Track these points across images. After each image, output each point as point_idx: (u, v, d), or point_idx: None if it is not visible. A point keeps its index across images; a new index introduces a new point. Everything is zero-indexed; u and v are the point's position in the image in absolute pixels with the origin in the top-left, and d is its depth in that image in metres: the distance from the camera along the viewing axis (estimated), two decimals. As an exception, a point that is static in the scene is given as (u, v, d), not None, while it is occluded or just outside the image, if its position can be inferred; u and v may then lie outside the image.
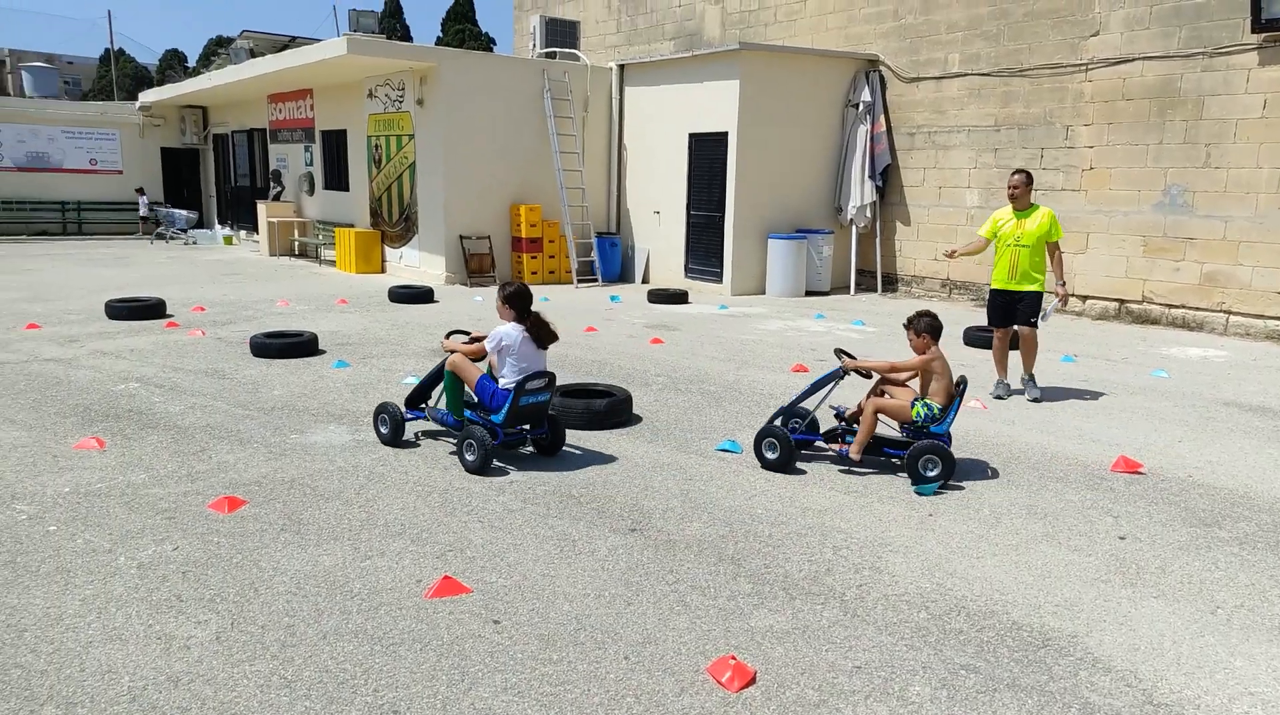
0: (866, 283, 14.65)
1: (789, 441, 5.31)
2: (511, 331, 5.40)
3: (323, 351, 8.81)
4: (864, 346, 9.72)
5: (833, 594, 3.86)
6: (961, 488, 5.21)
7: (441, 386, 5.79)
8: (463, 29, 44.72)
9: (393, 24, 46.32)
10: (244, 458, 5.52)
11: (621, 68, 15.43)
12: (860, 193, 14.14)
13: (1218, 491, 5.26)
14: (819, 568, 4.12)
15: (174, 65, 58.47)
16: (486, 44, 44.41)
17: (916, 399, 5.32)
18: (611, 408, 6.23)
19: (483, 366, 5.64)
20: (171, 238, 21.65)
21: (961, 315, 12.06)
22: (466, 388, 5.63)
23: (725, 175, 13.56)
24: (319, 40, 14.97)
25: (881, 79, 14.16)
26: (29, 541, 4.21)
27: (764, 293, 13.84)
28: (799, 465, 5.47)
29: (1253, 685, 3.22)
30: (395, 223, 15.71)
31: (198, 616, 3.54)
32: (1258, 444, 6.25)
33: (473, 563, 4.08)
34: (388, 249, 16.00)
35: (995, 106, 12.80)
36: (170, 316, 10.62)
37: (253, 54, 21.40)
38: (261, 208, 18.85)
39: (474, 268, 14.45)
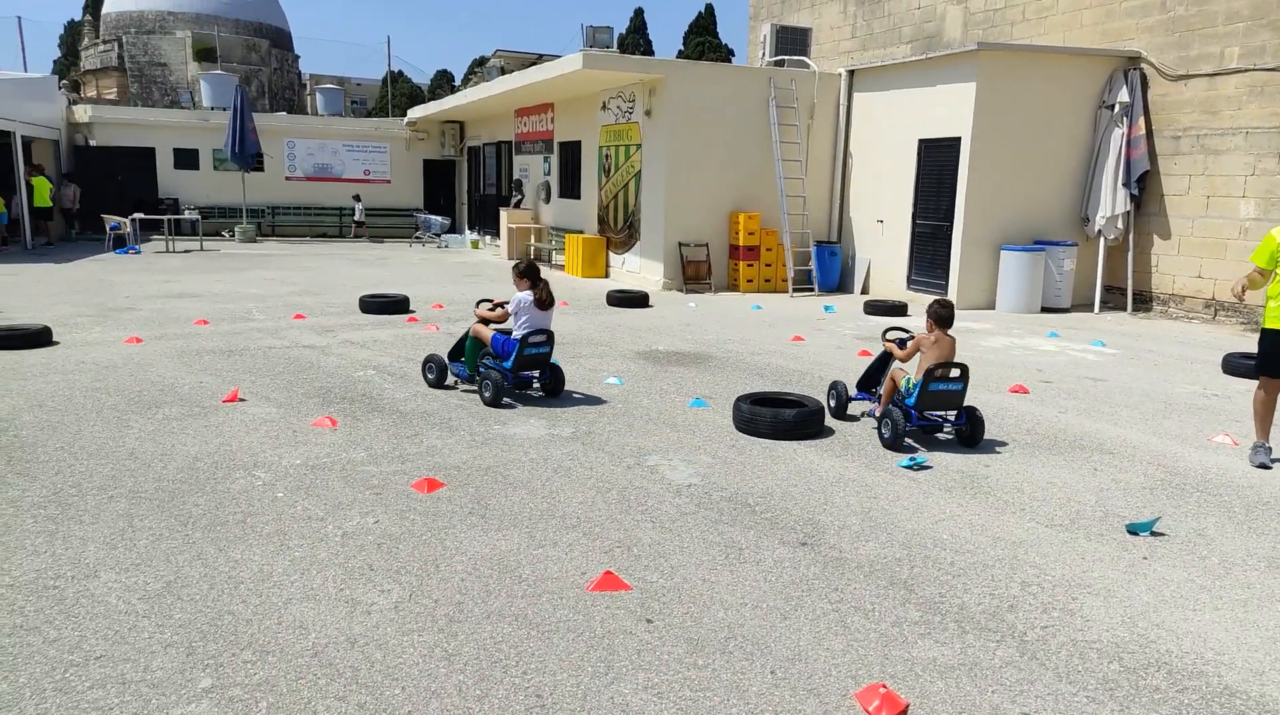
0: (1114, 301, 13.37)
1: (844, 395, 6.72)
2: (525, 297, 7.07)
3: (538, 350, 9.28)
4: (1102, 370, 8.88)
5: (1012, 632, 3.56)
6: (1189, 531, 4.62)
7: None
8: (703, 41, 45.51)
9: (636, 40, 48.00)
10: (450, 443, 5.93)
11: (850, 73, 15.08)
12: (1112, 202, 12.93)
13: None
14: (1001, 603, 3.81)
15: (443, 84, 63.87)
16: (725, 55, 44.90)
17: (906, 375, 6.29)
18: (801, 419, 6.09)
19: (502, 327, 7.23)
20: (426, 241, 23.72)
21: (1226, 341, 10.72)
22: (485, 346, 7.25)
23: (956, 182, 12.88)
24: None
25: (1143, 77, 12.87)
26: (259, 505, 4.76)
27: (993, 308, 13.00)
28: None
29: None
30: (620, 229, 16.27)
31: (383, 586, 3.85)
32: None
33: (637, 560, 4.14)
34: (611, 254, 16.59)
35: (1281, 104, 11.25)
36: (412, 312, 11.63)
37: (503, 71, 23.00)
38: (504, 214, 20.19)
39: (690, 274, 14.64)
